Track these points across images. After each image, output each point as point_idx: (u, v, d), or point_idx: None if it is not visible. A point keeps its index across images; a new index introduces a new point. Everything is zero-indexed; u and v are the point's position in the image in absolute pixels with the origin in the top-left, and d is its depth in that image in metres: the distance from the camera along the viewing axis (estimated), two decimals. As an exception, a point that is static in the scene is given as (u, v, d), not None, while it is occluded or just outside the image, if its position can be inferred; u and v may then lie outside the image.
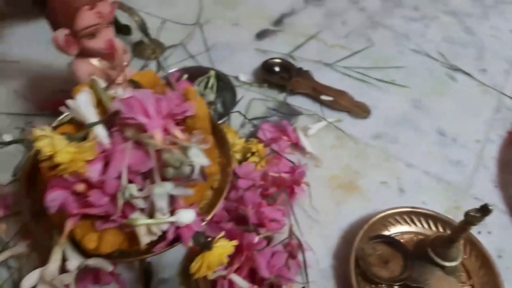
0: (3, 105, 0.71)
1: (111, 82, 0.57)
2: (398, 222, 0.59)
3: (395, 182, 0.64)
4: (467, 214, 0.48)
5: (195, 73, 0.70)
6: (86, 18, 0.49)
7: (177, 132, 0.42)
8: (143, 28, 0.75)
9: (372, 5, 0.92)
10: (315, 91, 0.73)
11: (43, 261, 0.52)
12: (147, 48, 0.77)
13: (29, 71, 0.77)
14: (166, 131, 0.41)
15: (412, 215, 0.59)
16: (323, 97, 0.72)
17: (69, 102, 0.41)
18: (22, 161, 0.63)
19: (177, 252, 0.55)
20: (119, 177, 0.39)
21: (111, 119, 0.40)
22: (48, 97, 0.71)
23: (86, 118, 0.40)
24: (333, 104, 0.72)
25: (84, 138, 0.40)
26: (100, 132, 0.40)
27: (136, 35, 0.79)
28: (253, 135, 0.67)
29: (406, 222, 0.59)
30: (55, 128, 0.43)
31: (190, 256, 0.55)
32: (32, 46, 0.81)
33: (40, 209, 0.48)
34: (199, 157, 0.39)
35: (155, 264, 0.55)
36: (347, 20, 0.89)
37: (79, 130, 0.42)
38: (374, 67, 0.79)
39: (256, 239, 0.53)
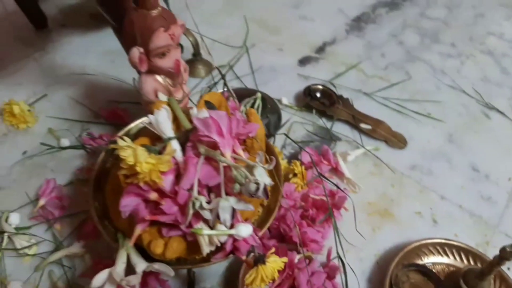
0: (62, 111, 0.76)
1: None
2: (432, 252, 0.61)
3: (428, 213, 0.66)
4: (503, 250, 0.50)
5: (242, 94, 0.74)
6: (161, 38, 0.53)
7: (241, 150, 0.46)
8: (197, 48, 0.80)
9: (410, 40, 0.96)
10: (355, 119, 0.76)
11: (95, 262, 0.56)
12: (198, 66, 0.82)
13: (85, 80, 0.82)
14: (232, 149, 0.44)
15: (445, 246, 0.61)
16: (362, 125, 0.75)
17: (149, 116, 0.45)
18: (80, 165, 0.67)
19: (219, 263, 0.58)
20: (190, 189, 0.42)
21: (186, 135, 0.43)
22: (102, 106, 0.76)
23: (164, 132, 0.44)
24: (372, 132, 0.75)
25: (159, 150, 0.44)
26: (176, 146, 0.43)
27: (187, 54, 0.84)
28: (294, 156, 0.70)
29: (439, 253, 0.61)
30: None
31: (232, 268, 0.58)
32: (88, 56, 0.87)
33: (103, 213, 0.52)
34: (263, 176, 0.42)
35: (198, 273, 0.58)
36: (386, 52, 0.92)
37: (154, 142, 0.46)
38: (411, 99, 0.82)
39: (298, 257, 0.56)
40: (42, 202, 0.61)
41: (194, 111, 0.45)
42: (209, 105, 0.48)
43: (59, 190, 0.63)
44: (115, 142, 0.52)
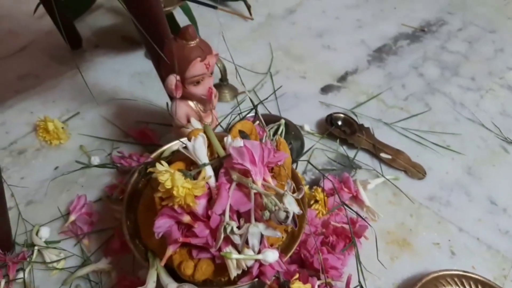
0: (93, 129, 0.79)
1: (201, 122, 0.64)
2: (449, 283, 0.62)
3: (446, 244, 0.67)
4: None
5: (266, 120, 0.76)
6: (197, 68, 0.56)
7: (270, 178, 0.48)
8: (224, 74, 0.83)
9: (431, 72, 0.98)
10: (375, 148, 0.78)
11: (120, 279, 0.58)
12: (224, 91, 0.85)
13: (115, 100, 0.85)
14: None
15: (462, 278, 0.62)
16: (383, 155, 0.77)
17: (187, 142, 0.47)
18: (109, 182, 0.70)
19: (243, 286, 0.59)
20: (221, 214, 0.44)
21: (219, 162, 0.46)
22: (131, 125, 0.79)
23: (199, 158, 0.47)
24: (391, 162, 0.76)
25: (193, 175, 0.46)
26: (210, 172, 0.46)
27: (214, 79, 0.87)
28: (315, 182, 0.72)
29: (457, 285, 0.62)
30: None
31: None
32: (119, 77, 0.91)
33: (134, 231, 0.54)
34: (292, 205, 0.44)
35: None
36: (407, 83, 0.94)
37: (188, 167, 0.48)
38: (430, 131, 0.83)
39: (318, 283, 0.57)
40: (72, 217, 0.63)
41: (228, 140, 0.48)
42: (243, 135, 0.50)
43: (89, 206, 0.66)
44: (149, 163, 0.55)
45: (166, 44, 0.58)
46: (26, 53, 0.96)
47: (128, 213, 0.55)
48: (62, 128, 0.76)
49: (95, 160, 0.73)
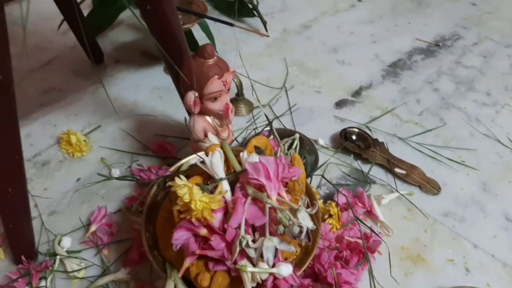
0: (113, 142, 0.82)
1: (218, 136, 0.66)
2: (464, 301, 0.62)
3: (461, 261, 0.67)
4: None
5: (280, 134, 0.78)
6: (215, 85, 0.58)
7: (284, 193, 0.49)
8: (240, 89, 0.85)
9: (445, 87, 0.98)
10: (389, 163, 0.78)
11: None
12: (240, 106, 0.87)
13: (135, 114, 0.88)
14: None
15: (478, 296, 0.62)
16: (397, 170, 0.77)
17: (204, 157, 0.49)
18: (128, 194, 0.72)
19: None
20: (237, 227, 0.46)
21: (235, 176, 0.47)
22: (150, 139, 0.82)
23: (216, 173, 0.48)
24: (406, 177, 0.77)
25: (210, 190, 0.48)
26: (226, 187, 0.47)
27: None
28: (329, 197, 0.73)
29: (472, 302, 0.62)
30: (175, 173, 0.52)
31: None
32: (138, 91, 0.94)
33: (153, 243, 0.56)
34: (306, 220, 0.45)
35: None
36: (422, 98, 0.95)
37: (205, 181, 0.50)
38: (445, 146, 0.84)
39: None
40: (93, 228, 0.66)
41: (244, 155, 0.49)
42: (258, 150, 0.52)
43: (109, 217, 0.68)
44: (168, 177, 0.57)
45: (185, 62, 0.60)
46: (51, 68, 0.99)
47: (147, 224, 0.56)
48: (84, 141, 0.79)
49: (116, 172, 0.75)
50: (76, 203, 0.72)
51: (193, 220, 0.46)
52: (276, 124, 0.86)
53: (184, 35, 0.71)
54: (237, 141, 0.81)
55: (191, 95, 0.58)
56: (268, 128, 0.82)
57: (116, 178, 0.74)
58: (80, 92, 0.93)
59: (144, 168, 0.75)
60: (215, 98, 0.61)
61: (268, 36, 1.09)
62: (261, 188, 0.47)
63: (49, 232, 0.67)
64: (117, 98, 0.91)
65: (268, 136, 0.72)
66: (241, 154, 0.50)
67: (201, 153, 0.61)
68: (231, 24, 0.98)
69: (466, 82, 1.00)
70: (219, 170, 0.48)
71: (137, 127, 0.85)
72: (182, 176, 0.47)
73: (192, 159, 0.62)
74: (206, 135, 0.65)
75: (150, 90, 0.94)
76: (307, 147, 0.77)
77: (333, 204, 0.69)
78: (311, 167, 0.76)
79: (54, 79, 0.96)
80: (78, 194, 0.73)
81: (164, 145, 0.79)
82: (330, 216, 0.68)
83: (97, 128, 0.85)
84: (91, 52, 0.99)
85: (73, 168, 0.78)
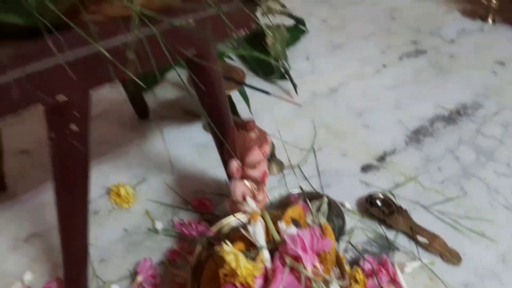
0: (157, 195, 0.90)
1: (255, 199, 0.73)
2: None
3: (480, 332, 0.70)
4: None
5: (309, 196, 0.84)
6: (256, 155, 0.67)
7: (318, 264, 0.55)
8: (272, 150, 0.93)
9: (467, 156, 1.04)
10: (412, 230, 0.83)
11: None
12: (271, 165, 0.94)
13: (177, 168, 0.96)
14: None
15: None
16: (419, 238, 0.82)
17: (248, 227, 0.56)
18: (170, 247, 0.79)
19: None
20: (276, 294, 0.52)
21: (274, 245, 0.54)
22: (190, 194, 0.89)
23: (258, 241, 0.55)
24: (427, 246, 0.81)
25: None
26: (267, 255, 0.54)
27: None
28: (355, 261, 0.78)
29: None
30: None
31: None
32: (180, 147, 1.02)
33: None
34: (337, 291, 0.51)
35: None
36: (443, 167, 1.01)
37: (247, 247, 0.56)
38: (466, 216, 0.88)
39: None
40: (140, 278, 0.72)
41: (282, 226, 0.56)
42: (295, 223, 0.58)
43: (154, 269, 0.74)
44: (211, 238, 0.64)
45: (229, 134, 0.69)
46: (101, 120, 1.09)
47: (193, 282, 0.63)
48: (133, 193, 0.87)
49: (159, 225, 0.82)
50: (122, 253, 0.79)
51: (237, 284, 0.52)
52: (304, 185, 0.92)
53: (227, 105, 0.80)
54: (269, 200, 0.88)
55: (235, 163, 0.67)
56: (297, 190, 0.88)
57: (160, 233, 0.81)
58: (127, 145, 1.02)
59: (185, 223, 0.82)
60: (255, 166, 0.68)
61: (300, 105, 1.17)
62: (297, 258, 0.54)
63: (99, 279, 0.74)
64: (160, 152, 1.00)
65: (298, 198, 0.79)
66: (279, 224, 0.57)
67: (240, 215, 0.68)
68: (267, 93, 1.07)
69: (486, 152, 1.05)
70: (260, 239, 0.55)
71: (178, 181, 0.93)
72: (228, 243, 0.53)
73: (233, 221, 0.69)
74: (244, 198, 0.72)
75: (191, 146, 1.03)
76: (335, 211, 0.83)
77: (359, 270, 0.73)
78: (338, 231, 0.81)
79: (104, 131, 1.06)
80: (124, 244, 0.80)
81: (203, 201, 0.86)
82: (356, 281, 0.73)
83: (142, 181, 0.93)
84: (138, 107, 1.09)
85: (121, 218, 0.85)
